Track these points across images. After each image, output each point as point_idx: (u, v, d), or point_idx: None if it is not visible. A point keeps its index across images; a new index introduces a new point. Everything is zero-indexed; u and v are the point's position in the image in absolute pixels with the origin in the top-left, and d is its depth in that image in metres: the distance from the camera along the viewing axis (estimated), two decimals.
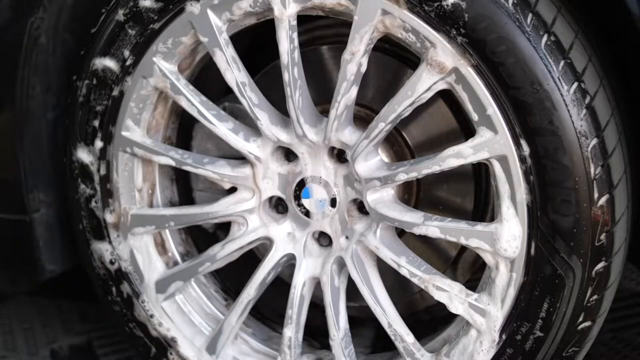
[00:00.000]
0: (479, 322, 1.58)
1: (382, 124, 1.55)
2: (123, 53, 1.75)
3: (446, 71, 1.47)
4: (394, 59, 1.78)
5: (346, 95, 1.57)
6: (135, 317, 1.91)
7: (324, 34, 1.92)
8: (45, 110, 1.89)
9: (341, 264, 1.72)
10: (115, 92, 1.78)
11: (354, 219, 1.71)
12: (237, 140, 1.72)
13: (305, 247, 1.77)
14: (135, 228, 1.85)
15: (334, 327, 1.72)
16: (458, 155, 1.51)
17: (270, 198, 1.78)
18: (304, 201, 1.72)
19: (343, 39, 1.55)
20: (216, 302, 1.94)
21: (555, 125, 1.42)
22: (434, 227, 1.57)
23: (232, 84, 1.66)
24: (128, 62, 1.75)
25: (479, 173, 1.81)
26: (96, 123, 1.82)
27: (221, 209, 1.78)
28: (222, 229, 2.01)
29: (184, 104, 1.73)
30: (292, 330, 1.76)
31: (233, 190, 1.79)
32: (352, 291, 1.73)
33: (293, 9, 1.57)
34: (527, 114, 1.43)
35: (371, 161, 1.64)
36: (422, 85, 1.50)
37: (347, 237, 1.71)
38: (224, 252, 1.79)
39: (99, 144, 1.83)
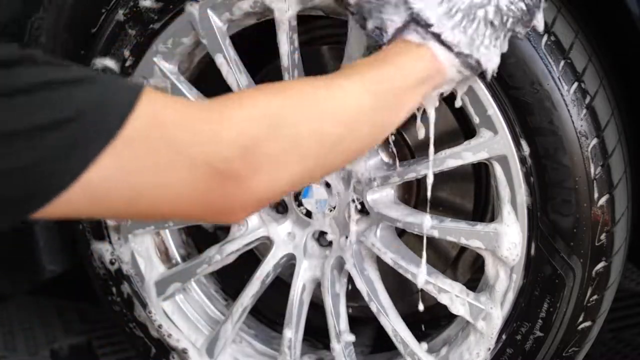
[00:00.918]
0: (478, 322, 1.58)
1: None
2: (123, 53, 1.75)
3: None
4: None
5: None
6: (136, 318, 1.91)
7: (324, 34, 1.92)
8: None
9: (341, 264, 1.72)
10: None
11: (354, 219, 1.71)
12: None
13: (305, 247, 1.77)
14: (135, 230, 1.85)
15: (333, 328, 1.73)
16: (457, 156, 1.51)
17: None
18: (304, 201, 1.72)
19: (343, 39, 1.55)
20: (217, 302, 1.95)
21: (556, 125, 1.42)
22: (434, 227, 1.57)
23: (233, 86, 1.66)
24: (128, 63, 1.75)
25: (479, 173, 1.81)
26: None
27: None
28: (222, 229, 2.00)
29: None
30: (292, 330, 1.76)
31: None
32: (352, 291, 1.73)
33: (293, 10, 1.57)
34: (527, 114, 1.43)
35: (371, 161, 1.64)
36: None
37: (347, 237, 1.71)
38: (223, 253, 1.80)
39: None
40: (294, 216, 1.76)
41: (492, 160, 1.49)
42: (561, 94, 1.41)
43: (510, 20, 1.26)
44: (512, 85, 1.43)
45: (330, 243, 1.74)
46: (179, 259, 1.93)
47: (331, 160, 1.18)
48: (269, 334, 1.96)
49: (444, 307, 1.61)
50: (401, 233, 1.74)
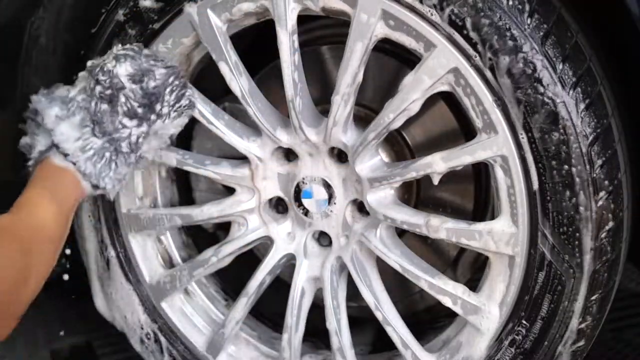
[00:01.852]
0: (479, 322, 1.58)
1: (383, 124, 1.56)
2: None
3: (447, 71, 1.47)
4: (394, 59, 1.79)
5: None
6: None
7: (324, 34, 1.92)
8: None
9: (341, 264, 1.72)
10: None
11: (354, 219, 1.71)
12: (238, 140, 1.72)
13: (305, 247, 1.77)
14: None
15: (333, 327, 1.73)
16: (457, 156, 1.51)
17: (271, 198, 1.78)
18: (305, 201, 1.72)
19: (343, 39, 1.55)
20: (218, 303, 1.95)
21: (555, 125, 1.42)
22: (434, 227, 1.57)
23: (236, 92, 1.66)
24: None
25: (479, 173, 1.81)
26: None
27: (222, 209, 1.78)
28: (222, 229, 2.00)
29: None
30: (292, 330, 1.76)
31: (233, 190, 1.79)
32: (352, 291, 1.73)
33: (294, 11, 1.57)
34: (527, 114, 1.43)
35: (371, 161, 1.64)
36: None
37: (347, 237, 1.71)
38: (225, 251, 1.80)
39: None
40: (293, 216, 1.76)
41: (492, 159, 1.49)
42: (561, 94, 1.41)
43: (135, 154, 1.61)
44: (513, 85, 1.43)
45: (330, 243, 1.74)
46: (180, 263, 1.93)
47: None
48: (270, 334, 1.96)
49: (444, 307, 1.61)
50: (401, 233, 1.74)
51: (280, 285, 1.88)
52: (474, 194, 1.83)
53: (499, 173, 1.49)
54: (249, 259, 1.90)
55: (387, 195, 1.65)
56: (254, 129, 1.71)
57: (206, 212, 1.79)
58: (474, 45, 1.43)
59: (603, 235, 1.46)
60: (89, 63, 1.63)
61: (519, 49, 1.41)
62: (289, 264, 1.80)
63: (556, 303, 1.51)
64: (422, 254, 1.72)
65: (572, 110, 1.42)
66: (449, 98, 1.71)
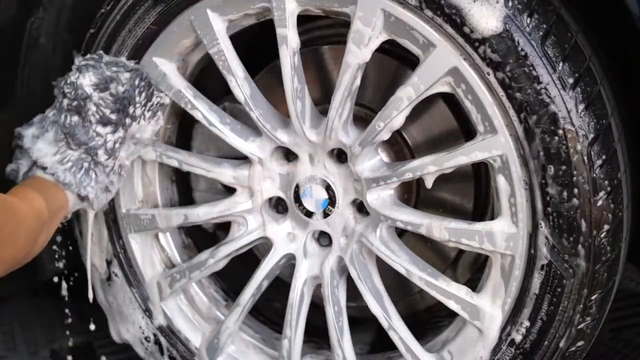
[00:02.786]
0: (479, 322, 1.58)
1: (381, 124, 1.56)
2: (123, 54, 1.74)
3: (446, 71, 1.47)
4: (394, 59, 1.79)
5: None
6: None
7: (324, 34, 1.92)
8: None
9: (341, 264, 1.72)
10: None
11: (354, 219, 1.71)
12: (238, 140, 1.72)
13: (305, 247, 1.77)
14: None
15: (334, 327, 1.73)
16: (456, 156, 1.51)
17: (270, 198, 1.78)
18: (304, 201, 1.72)
19: (343, 39, 1.55)
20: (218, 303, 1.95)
21: (555, 125, 1.42)
22: (434, 227, 1.57)
23: (240, 97, 1.66)
24: None
25: (479, 173, 1.81)
26: None
27: (223, 208, 1.78)
28: (222, 229, 2.00)
29: (183, 104, 1.73)
30: (292, 330, 1.76)
31: (233, 190, 1.79)
32: (352, 291, 1.73)
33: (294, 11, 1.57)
34: (527, 114, 1.43)
35: (371, 161, 1.64)
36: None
37: (347, 237, 1.71)
38: (222, 253, 1.80)
39: None
40: (293, 216, 1.76)
41: (492, 159, 1.49)
42: (561, 94, 1.41)
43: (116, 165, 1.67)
44: (514, 85, 1.43)
45: (330, 243, 1.74)
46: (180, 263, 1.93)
47: None
48: (271, 334, 1.96)
49: (444, 307, 1.61)
50: (401, 233, 1.74)
51: (279, 285, 1.89)
52: (474, 193, 1.83)
53: (499, 173, 1.49)
54: (249, 259, 1.90)
55: (387, 196, 1.65)
56: (254, 129, 1.71)
57: (206, 213, 1.79)
58: (472, 43, 1.43)
59: (603, 235, 1.46)
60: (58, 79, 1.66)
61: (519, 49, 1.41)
62: (289, 264, 1.80)
63: (556, 303, 1.51)
64: (422, 253, 1.72)
65: (572, 110, 1.42)
66: (448, 98, 1.71)
